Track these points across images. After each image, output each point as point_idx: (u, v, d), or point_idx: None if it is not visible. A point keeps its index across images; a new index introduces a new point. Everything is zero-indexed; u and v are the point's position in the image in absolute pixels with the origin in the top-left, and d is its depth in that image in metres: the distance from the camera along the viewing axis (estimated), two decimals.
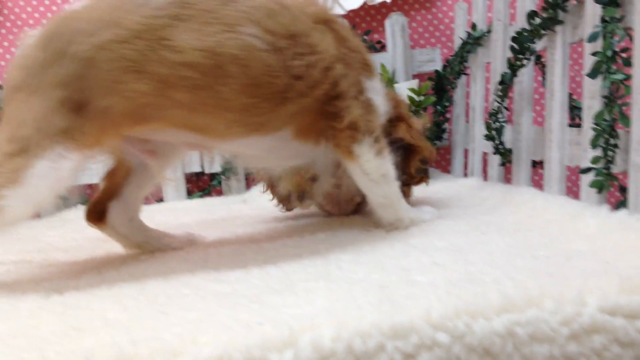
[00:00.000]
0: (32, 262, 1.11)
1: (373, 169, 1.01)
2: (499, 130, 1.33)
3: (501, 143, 1.34)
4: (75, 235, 1.33)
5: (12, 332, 0.72)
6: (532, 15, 1.16)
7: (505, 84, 1.27)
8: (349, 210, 1.25)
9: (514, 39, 1.20)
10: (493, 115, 1.33)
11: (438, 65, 1.81)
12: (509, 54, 1.42)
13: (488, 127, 1.34)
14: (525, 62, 1.23)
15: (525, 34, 1.18)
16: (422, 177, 1.24)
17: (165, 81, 0.84)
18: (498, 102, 1.31)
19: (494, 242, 0.92)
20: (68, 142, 0.83)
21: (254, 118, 0.92)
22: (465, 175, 1.70)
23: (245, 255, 0.99)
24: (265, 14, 0.89)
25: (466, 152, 1.73)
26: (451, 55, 1.75)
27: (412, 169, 1.17)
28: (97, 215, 1.05)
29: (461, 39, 1.67)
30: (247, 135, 0.94)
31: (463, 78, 1.73)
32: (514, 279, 0.73)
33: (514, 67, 1.23)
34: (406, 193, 1.22)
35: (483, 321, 0.66)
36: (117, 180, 1.04)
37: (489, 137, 1.34)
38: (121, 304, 0.80)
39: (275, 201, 1.31)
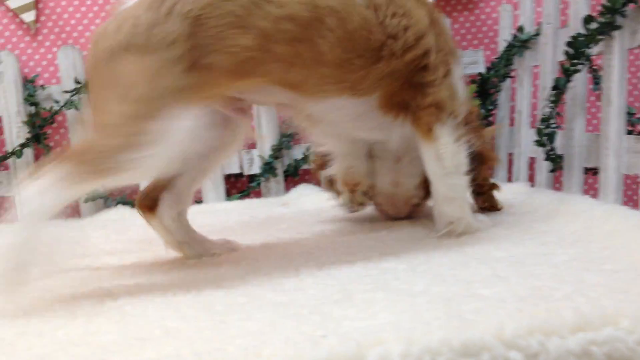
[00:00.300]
0: (79, 265, 1.10)
1: (449, 156, 0.99)
2: (551, 136, 1.30)
3: (552, 149, 1.31)
4: (120, 237, 1.33)
5: (72, 339, 0.72)
6: (588, 19, 1.13)
7: (559, 89, 1.23)
8: (405, 212, 1.22)
9: (569, 44, 1.17)
10: (545, 120, 1.30)
11: (481, 68, 1.77)
12: (559, 58, 1.40)
13: (539, 132, 1.31)
14: (579, 67, 1.20)
15: (581, 38, 1.15)
16: (493, 184, 1.23)
17: (267, 35, 0.85)
18: (550, 107, 1.28)
19: (556, 254, 0.90)
20: (184, 102, 0.83)
21: (347, 75, 0.92)
22: (509, 179, 1.66)
23: (296, 262, 0.98)
24: None
25: (509, 155, 1.70)
26: (495, 58, 1.72)
27: (481, 177, 1.17)
28: (148, 203, 1.03)
29: (506, 41, 1.64)
30: (338, 94, 0.95)
31: (507, 81, 1.69)
32: (586, 295, 0.71)
33: (568, 72, 1.20)
34: (484, 202, 1.22)
35: (557, 340, 0.63)
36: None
37: (539, 143, 1.31)
38: (179, 311, 0.79)
39: (340, 201, 1.28)
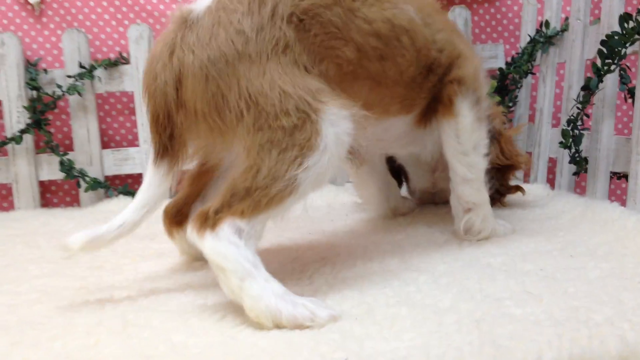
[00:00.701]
0: (78, 262, 1.05)
1: (467, 132, 0.98)
2: (578, 139, 1.23)
3: (577, 151, 1.25)
4: None
5: (70, 352, 0.66)
6: (625, 18, 1.06)
7: (590, 90, 1.17)
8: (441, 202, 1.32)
9: (602, 43, 1.11)
10: (572, 122, 1.23)
11: (501, 63, 1.71)
12: (587, 56, 1.33)
13: (565, 134, 1.24)
14: (613, 67, 1.13)
15: (616, 37, 1.08)
16: (518, 187, 1.27)
17: (362, 50, 0.85)
18: (579, 108, 1.22)
19: (588, 269, 0.84)
20: (331, 102, 0.78)
21: (410, 92, 0.93)
22: (526, 180, 1.60)
23: (309, 268, 0.92)
24: None
25: (528, 155, 1.63)
26: (517, 53, 1.65)
27: (508, 181, 1.23)
28: (179, 219, 0.96)
29: (530, 36, 1.57)
30: (396, 114, 0.96)
31: (528, 77, 1.62)
32: (629, 320, 0.65)
33: (600, 72, 1.13)
34: (502, 202, 1.28)
35: None
36: (201, 184, 0.96)
37: (564, 145, 1.25)
38: (185, 323, 0.73)
39: None
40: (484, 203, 1.03)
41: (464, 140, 0.99)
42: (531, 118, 1.64)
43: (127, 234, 0.81)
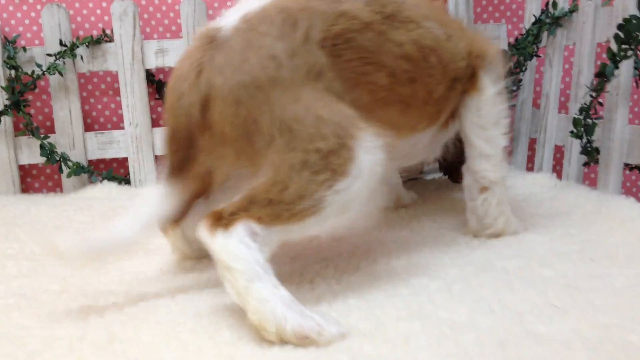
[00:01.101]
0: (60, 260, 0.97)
1: (488, 105, 0.97)
2: (591, 128, 1.17)
3: (589, 141, 1.18)
4: (107, 222, 1.19)
5: None
6: None
7: (605, 77, 1.10)
8: None
9: (620, 27, 1.04)
10: (584, 110, 1.17)
11: (503, 44, 1.63)
12: (599, 39, 1.27)
13: (576, 123, 1.18)
14: (630, 53, 1.06)
15: (634, 21, 1.01)
16: None
17: (394, 74, 0.83)
18: (592, 96, 1.15)
19: (611, 276, 0.78)
20: (366, 129, 0.74)
21: (438, 107, 0.92)
22: (529, 168, 1.54)
23: (310, 270, 0.86)
24: (428, 9, 0.91)
25: (531, 141, 1.57)
26: (520, 34, 1.57)
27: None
28: (177, 215, 0.90)
29: (535, 16, 1.50)
30: (425, 129, 0.95)
31: (532, 60, 1.55)
32: None
33: (616, 57, 1.07)
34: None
35: None
36: (206, 184, 0.88)
37: (576, 135, 1.19)
38: (177, 337, 0.67)
39: None
40: (501, 183, 0.99)
41: (484, 114, 0.97)
42: (534, 102, 1.57)
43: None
